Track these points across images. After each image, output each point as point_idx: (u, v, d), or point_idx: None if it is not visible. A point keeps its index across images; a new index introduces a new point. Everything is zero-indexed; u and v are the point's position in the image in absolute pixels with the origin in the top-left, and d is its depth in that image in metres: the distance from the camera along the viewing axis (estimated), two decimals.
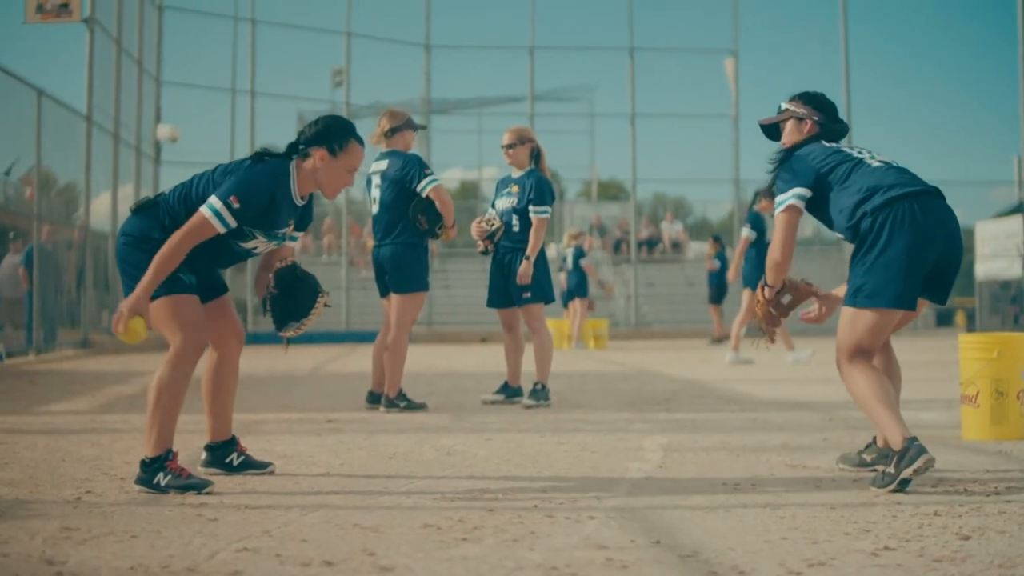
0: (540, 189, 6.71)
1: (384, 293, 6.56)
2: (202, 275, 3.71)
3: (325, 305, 3.77)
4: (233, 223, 3.53)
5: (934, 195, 3.65)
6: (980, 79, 38.14)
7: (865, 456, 3.95)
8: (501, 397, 6.87)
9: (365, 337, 16.57)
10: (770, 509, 3.17)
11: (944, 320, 30.06)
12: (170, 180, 18.41)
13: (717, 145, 23.40)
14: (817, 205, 3.79)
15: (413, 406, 6.41)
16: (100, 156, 15.29)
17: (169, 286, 3.54)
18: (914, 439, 3.41)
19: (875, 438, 3.94)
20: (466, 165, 32.20)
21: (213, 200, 3.51)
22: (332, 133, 3.68)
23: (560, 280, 15.58)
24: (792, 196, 3.76)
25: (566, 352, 14.47)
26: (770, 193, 3.92)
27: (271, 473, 3.92)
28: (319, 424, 5.65)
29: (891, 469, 3.41)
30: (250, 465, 3.93)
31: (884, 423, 3.50)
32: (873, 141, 31.82)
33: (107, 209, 16.08)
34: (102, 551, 2.61)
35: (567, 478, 3.85)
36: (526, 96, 23.10)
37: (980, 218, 23.36)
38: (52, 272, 13.18)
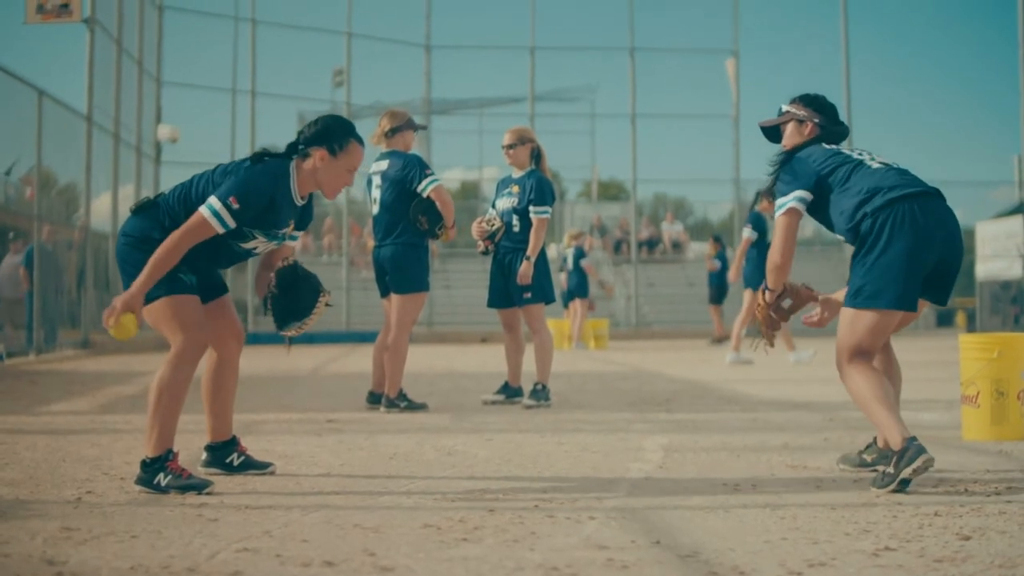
0: (540, 189, 6.71)
1: (384, 293, 6.56)
2: (202, 275, 3.71)
3: (326, 304, 3.76)
4: (232, 224, 3.53)
5: (934, 196, 3.65)
6: (980, 79, 38.22)
7: (865, 456, 3.95)
8: (501, 397, 6.87)
9: (365, 337, 16.57)
10: (770, 509, 3.17)
11: (944, 320, 30.02)
12: (170, 180, 18.44)
13: (718, 145, 23.43)
14: (818, 207, 3.79)
15: (413, 406, 6.40)
16: (100, 156, 15.30)
17: (170, 286, 3.54)
18: (913, 439, 3.41)
19: (875, 438, 3.94)
20: (466, 165, 32.28)
21: (212, 200, 3.51)
22: (332, 133, 3.68)
23: (560, 280, 15.58)
24: (792, 199, 3.76)
25: (566, 352, 14.46)
26: (770, 194, 3.92)
27: (271, 473, 3.92)
28: (319, 424, 5.65)
29: (891, 469, 3.41)
30: (250, 465, 3.93)
31: (883, 423, 3.50)
32: (873, 141, 31.83)
33: (107, 209, 16.09)
34: (102, 551, 2.61)
35: (567, 478, 3.85)
36: (527, 96, 23.10)
37: (980, 218, 23.36)
38: (52, 272, 13.19)
